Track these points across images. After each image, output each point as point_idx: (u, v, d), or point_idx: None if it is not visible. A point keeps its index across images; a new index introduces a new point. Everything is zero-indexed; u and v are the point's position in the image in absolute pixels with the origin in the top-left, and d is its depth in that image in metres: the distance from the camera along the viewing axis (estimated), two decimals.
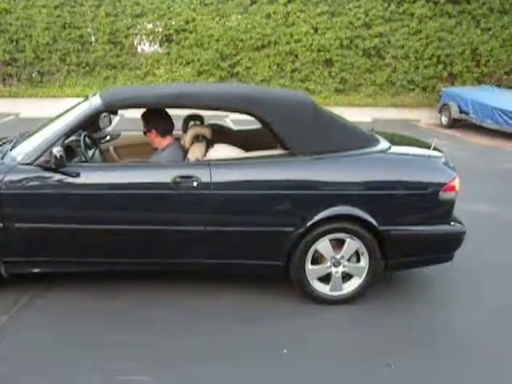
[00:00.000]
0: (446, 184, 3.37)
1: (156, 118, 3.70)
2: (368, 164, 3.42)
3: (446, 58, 13.42)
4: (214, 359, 2.91)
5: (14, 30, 13.54)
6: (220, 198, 3.28)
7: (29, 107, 11.83)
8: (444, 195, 3.37)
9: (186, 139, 3.68)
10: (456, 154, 7.67)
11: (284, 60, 13.73)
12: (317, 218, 3.29)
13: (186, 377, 2.76)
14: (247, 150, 3.55)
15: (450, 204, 3.44)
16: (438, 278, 3.95)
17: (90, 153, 3.70)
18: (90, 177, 3.29)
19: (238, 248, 3.41)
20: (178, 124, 4.04)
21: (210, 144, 3.63)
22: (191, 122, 4.14)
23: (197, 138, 3.70)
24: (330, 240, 3.39)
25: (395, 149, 3.62)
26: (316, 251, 3.40)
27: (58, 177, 3.23)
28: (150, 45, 14.08)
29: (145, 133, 3.77)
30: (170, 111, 3.73)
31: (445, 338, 3.20)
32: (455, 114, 10.91)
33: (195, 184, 3.23)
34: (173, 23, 13.66)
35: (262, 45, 13.61)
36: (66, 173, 3.22)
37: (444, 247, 3.57)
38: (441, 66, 13.52)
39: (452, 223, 3.51)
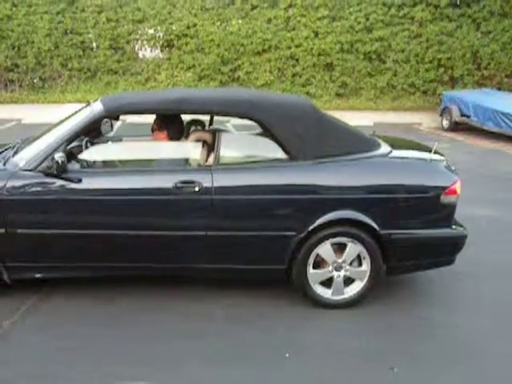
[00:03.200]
0: (447, 187, 3.37)
1: (173, 121, 3.72)
2: (369, 168, 3.43)
3: (447, 62, 13.42)
4: (215, 363, 2.91)
5: (16, 36, 13.59)
6: (221, 202, 3.28)
7: (31, 113, 11.86)
8: (445, 199, 3.37)
9: None
10: (457, 157, 7.66)
11: (285, 64, 13.75)
12: (318, 222, 3.29)
13: (186, 381, 2.76)
14: (249, 154, 3.55)
15: (452, 208, 3.44)
16: (439, 281, 3.95)
17: (92, 159, 3.71)
18: (92, 182, 3.30)
19: (239, 253, 3.42)
20: None
21: (211, 149, 3.64)
22: (192, 127, 4.14)
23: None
24: (332, 244, 3.39)
25: (396, 153, 3.63)
26: (318, 255, 3.41)
27: (60, 182, 3.25)
28: (151, 50, 14.11)
29: (153, 130, 3.77)
30: None
31: (447, 340, 3.20)
32: (456, 117, 10.90)
33: (197, 189, 3.24)
34: (174, 28, 13.70)
35: (262, 49, 13.63)
36: (67, 178, 3.24)
37: (445, 251, 3.57)
38: (441, 70, 13.52)
39: (453, 227, 3.51)
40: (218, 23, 13.63)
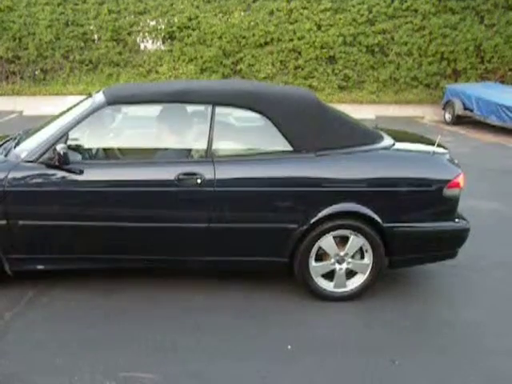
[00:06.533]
0: (450, 181, 3.36)
1: (175, 112, 3.69)
2: (372, 161, 3.42)
3: (450, 55, 13.34)
4: (218, 355, 2.91)
5: (17, 28, 13.53)
6: (224, 194, 3.28)
7: (32, 105, 11.83)
8: (448, 192, 3.36)
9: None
10: (460, 150, 7.64)
11: (287, 57, 13.68)
12: (321, 214, 3.29)
13: (188, 373, 2.77)
14: (251, 146, 3.54)
15: (455, 201, 3.43)
16: (441, 274, 3.95)
17: (94, 150, 3.70)
18: (94, 174, 3.29)
19: (241, 245, 3.41)
20: None
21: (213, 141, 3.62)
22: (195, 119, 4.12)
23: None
24: (334, 237, 3.39)
25: (399, 145, 3.61)
26: (320, 248, 3.40)
27: (61, 174, 3.24)
28: (152, 42, 14.04)
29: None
30: None
31: (448, 334, 3.20)
32: (459, 110, 10.85)
33: (199, 181, 3.24)
34: (175, 20, 13.62)
35: (264, 42, 13.55)
36: (69, 170, 3.23)
37: (448, 244, 3.56)
38: (444, 63, 13.44)
39: (456, 220, 3.50)
40: (220, 15, 13.55)
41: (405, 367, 2.85)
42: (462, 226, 3.50)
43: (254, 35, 13.46)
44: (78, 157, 3.41)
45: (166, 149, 3.60)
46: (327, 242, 3.38)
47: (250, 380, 2.73)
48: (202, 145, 3.41)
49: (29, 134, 3.76)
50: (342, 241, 3.41)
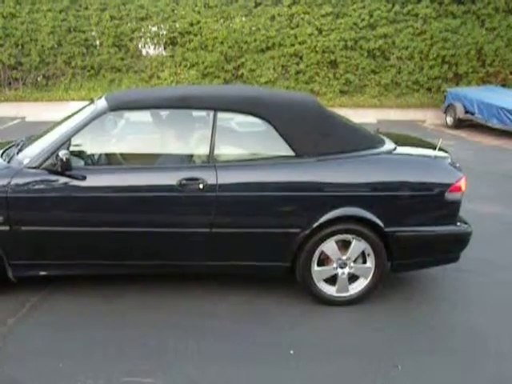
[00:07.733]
0: (452, 184, 3.36)
1: (178, 118, 3.71)
2: (373, 165, 3.42)
3: (451, 59, 13.35)
4: (220, 361, 2.91)
5: (20, 35, 13.59)
6: (226, 199, 3.28)
7: (34, 111, 11.87)
8: (450, 196, 3.37)
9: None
10: (462, 154, 7.64)
11: (288, 62, 13.71)
12: (323, 219, 3.29)
13: (188, 378, 2.76)
14: (253, 151, 3.55)
15: (456, 204, 3.43)
16: (444, 278, 3.94)
17: (96, 156, 3.71)
18: (96, 180, 3.30)
19: (243, 250, 3.42)
20: None
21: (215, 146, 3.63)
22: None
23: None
24: (336, 241, 3.39)
25: (401, 149, 3.62)
26: (322, 252, 3.40)
27: (64, 180, 3.25)
28: (154, 48, 14.09)
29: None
30: None
31: (452, 338, 3.19)
32: (460, 114, 10.85)
33: (201, 186, 3.24)
34: (177, 26, 13.67)
35: (266, 47, 13.59)
36: (72, 176, 3.24)
37: (450, 248, 3.56)
38: (446, 67, 13.45)
39: (458, 224, 3.50)
40: (222, 21, 13.59)
41: (408, 372, 2.85)
42: (464, 230, 3.50)
43: (255, 40, 13.50)
44: (81, 163, 3.42)
45: (169, 154, 3.61)
46: (329, 247, 3.39)
47: None
48: (204, 150, 3.41)
49: (31, 140, 3.77)
50: (344, 245, 3.41)
